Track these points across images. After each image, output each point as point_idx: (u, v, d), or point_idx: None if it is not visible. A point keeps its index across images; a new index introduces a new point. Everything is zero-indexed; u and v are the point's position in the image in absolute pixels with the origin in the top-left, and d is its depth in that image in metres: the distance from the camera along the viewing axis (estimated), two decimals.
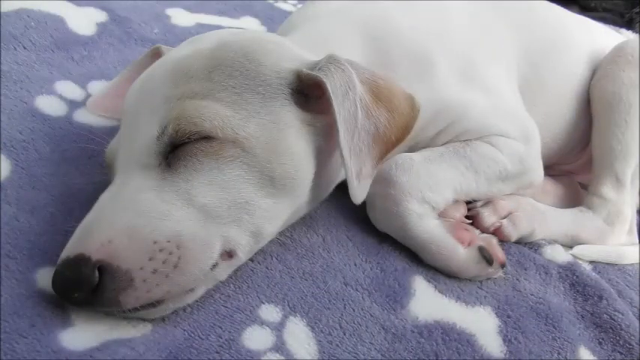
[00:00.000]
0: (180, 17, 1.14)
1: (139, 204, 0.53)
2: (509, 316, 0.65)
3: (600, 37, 1.03)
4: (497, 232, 0.77)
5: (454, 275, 0.69)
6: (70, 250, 0.50)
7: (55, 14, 0.96)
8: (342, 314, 0.59)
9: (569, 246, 0.83)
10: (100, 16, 1.02)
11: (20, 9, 0.93)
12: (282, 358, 0.53)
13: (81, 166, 0.71)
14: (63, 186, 0.67)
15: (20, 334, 0.49)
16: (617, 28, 1.44)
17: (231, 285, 0.59)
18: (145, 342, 0.51)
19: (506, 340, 0.62)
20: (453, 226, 0.71)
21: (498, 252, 0.70)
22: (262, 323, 0.56)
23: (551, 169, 0.99)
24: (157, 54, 0.74)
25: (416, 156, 0.73)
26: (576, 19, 1.06)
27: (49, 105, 0.79)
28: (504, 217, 0.78)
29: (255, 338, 0.54)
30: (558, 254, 0.79)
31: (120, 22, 1.03)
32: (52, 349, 0.48)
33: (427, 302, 0.64)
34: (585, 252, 0.82)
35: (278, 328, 0.56)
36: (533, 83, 0.90)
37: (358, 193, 0.59)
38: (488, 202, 0.79)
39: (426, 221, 0.69)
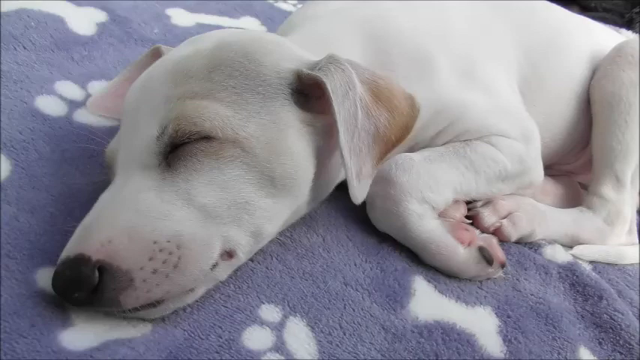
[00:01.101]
0: (180, 17, 1.14)
1: (139, 204, 0.53)
2: (509, 316, 0.65)
3: (600, 37, 1.03)
4: (497, 232, 0.77)
5: (454, 275, 0.69)
6: (70, 250, 0.50)
7: (55, 14, 0.96)
8: (342, 314, 0.59)
9: (569, 246, 0.83)
10: (100, 16, 1.02)
11: (20, 9, 0.93)
12: (282, 358, 0.53)
13: (81, 166, 0.71)
14: (63, 186, 0.67)
15: (20, 334, 0.49)
16: (617, 28, 1.44)
17: (231, 285, 0.59)
18: (145, 342, 0.51)
19: (506, 340, 0.62)
20: (453, 226, 0.71)
21: (498, 252, 0.70)
22: (262, 323, 0.56)
23: (551, 169, 0.99)
24: (156, 54, 0.74)
25: (416, 156, 0.73)
26: (576, 19, 1.06)
27: (49, 105, 0.79)
28: (504, 217, 0.78)
29: (255, 338, 0.54)
30: (558, 254, 0.79)
31: (120, 22, 1.03)
32: (52, 349, 0.48)
33: (427, 302, 0.64)
34: (585, 252, 0.82)
35: (278, 328, 0.56)
36: (533, 83, 0.90)
37: (358, 193, 0.59)
38: (488, 202, 0.79)
39: (426, 221, 0.69)
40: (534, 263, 0.75)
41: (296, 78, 0.60)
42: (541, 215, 0.82)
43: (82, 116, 0.79)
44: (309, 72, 0.59)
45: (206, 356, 0.51)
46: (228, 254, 0.56)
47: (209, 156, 0.55)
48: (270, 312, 0.57)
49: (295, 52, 0.64)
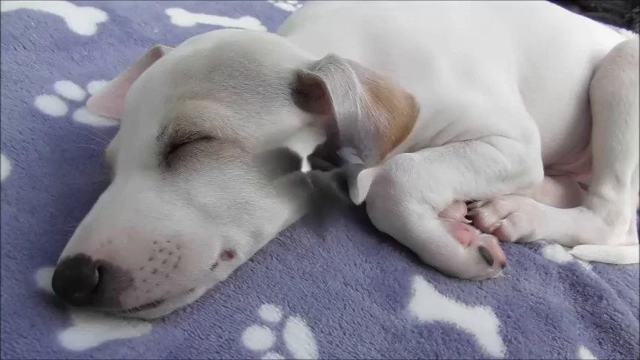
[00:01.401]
0: (180, 17, 1.14)
1: (139, 204, 0.53)
2: (509, 316, 0.65)
3: (600, 37, 1.03)
4: (497, 232, 0.77)
5: (454, 275, 0.69)
6: (70, 250, 0.50)
7: (55, 14, 0.96)
8: (342, 314, 0.59)
9: (569, 246, 0.83)
10: (100, 16, 1.02)
11: (20, 9, 0.93)
12: (282, 358, 0.53)
13: (81, 166, 0.71)
14: (63, 186, 0.67)
15: (20, 334, 0.49)
16: (617, 28, 1.44)
17: (231, 285, 0.59)
18: (145, 342, 0.51)
19: (506, 340, 0.62)
20: (453, 226, 0.71)
21: (498, 252, 0.70)
22: (262, 323, 0.56)
23: (551, 169, 0.99)
24: (156, 54, 0.74)
25: (416, 156, 0.73)
26: (576, 19, 1.06)
27: (49, 105, 0.79)
28: (504, 217, 0.78)
29: (255, 338, 0.54)
30: (558, 254, 0.79)
31: (120, 22, 1.03)
32: (52, 349, 0.48)
33: (427, 302, 0.64)
34: (585, 252, 0.82)
35: (278, 328, 0.56)
36: (533, 83, 0.90)
37: (358, 193, 0.59)
38: (488, 202, 0.79)
39: (426, 221, 0.69)
40: (534, 263, 0.75)
41: (296, 78, 0.60)
42: (541, 215, 0.82)
43: (82, 116, 0.79)
44: (309, 72, 0.59)
45: (206, 356, 0.51)
46: (228, 254, 0.56)
47: (209, 156, 0.55)
48: (270, 312, 0.57)
49: (295, 52, 0.64)
